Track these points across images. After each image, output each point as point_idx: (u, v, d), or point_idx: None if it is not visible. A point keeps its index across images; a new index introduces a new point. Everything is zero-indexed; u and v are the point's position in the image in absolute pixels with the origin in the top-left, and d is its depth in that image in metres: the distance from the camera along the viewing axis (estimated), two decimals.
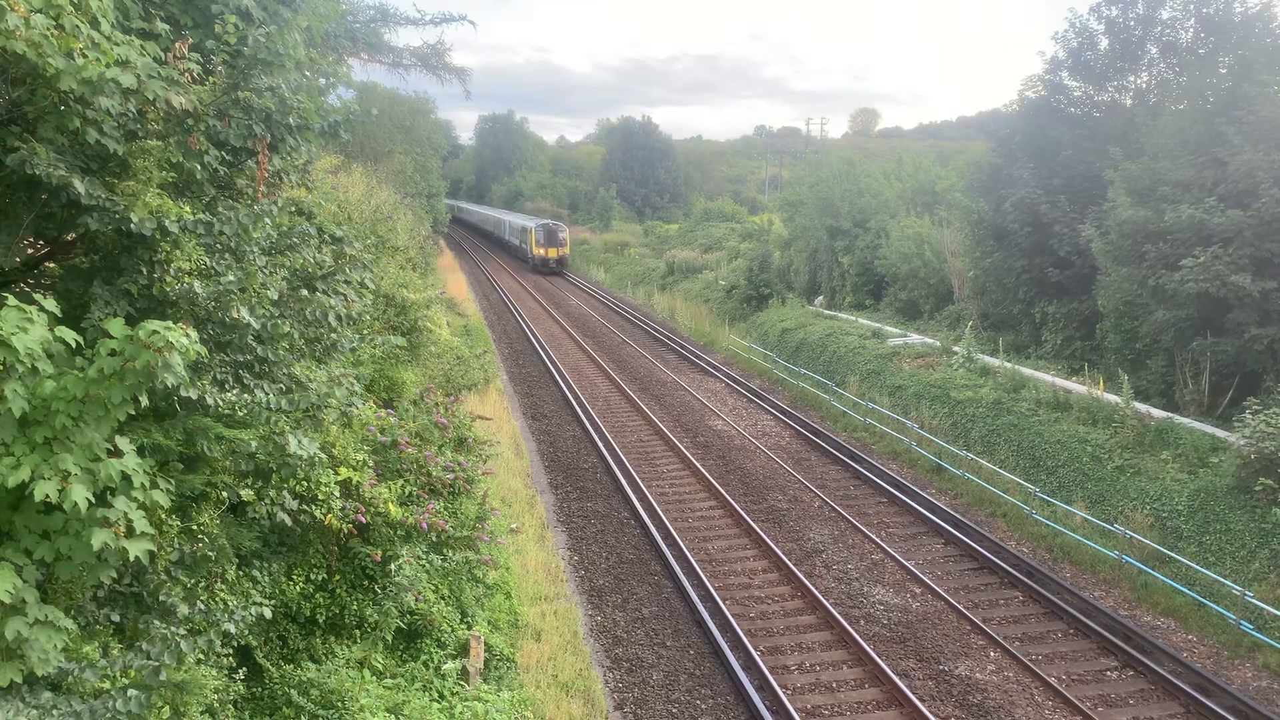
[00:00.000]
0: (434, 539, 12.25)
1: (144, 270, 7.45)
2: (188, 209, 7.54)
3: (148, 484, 5.86)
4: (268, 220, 8.29)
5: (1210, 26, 30.06)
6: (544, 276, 75.41)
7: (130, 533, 5.70)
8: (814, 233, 51.00)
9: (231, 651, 9.22)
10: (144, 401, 5.66)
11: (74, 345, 5.61)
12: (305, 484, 10.11)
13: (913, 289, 42.24)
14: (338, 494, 10.72)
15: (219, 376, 8.02)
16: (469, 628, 13.94)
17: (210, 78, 8.08)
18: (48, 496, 5.28)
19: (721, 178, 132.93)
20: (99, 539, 5.51)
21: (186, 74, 7.68)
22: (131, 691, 6.31)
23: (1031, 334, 33.61)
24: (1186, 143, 25.02)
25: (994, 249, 34.69)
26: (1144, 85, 33.06)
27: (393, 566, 12.00)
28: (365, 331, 14.27)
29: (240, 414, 7.84)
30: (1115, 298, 26.68)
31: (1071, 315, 31.47)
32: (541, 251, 76.79)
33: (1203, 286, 22.44)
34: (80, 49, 6.31)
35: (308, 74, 9.17)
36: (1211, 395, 23.96)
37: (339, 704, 10.34)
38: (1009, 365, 28.60)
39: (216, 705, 8.71)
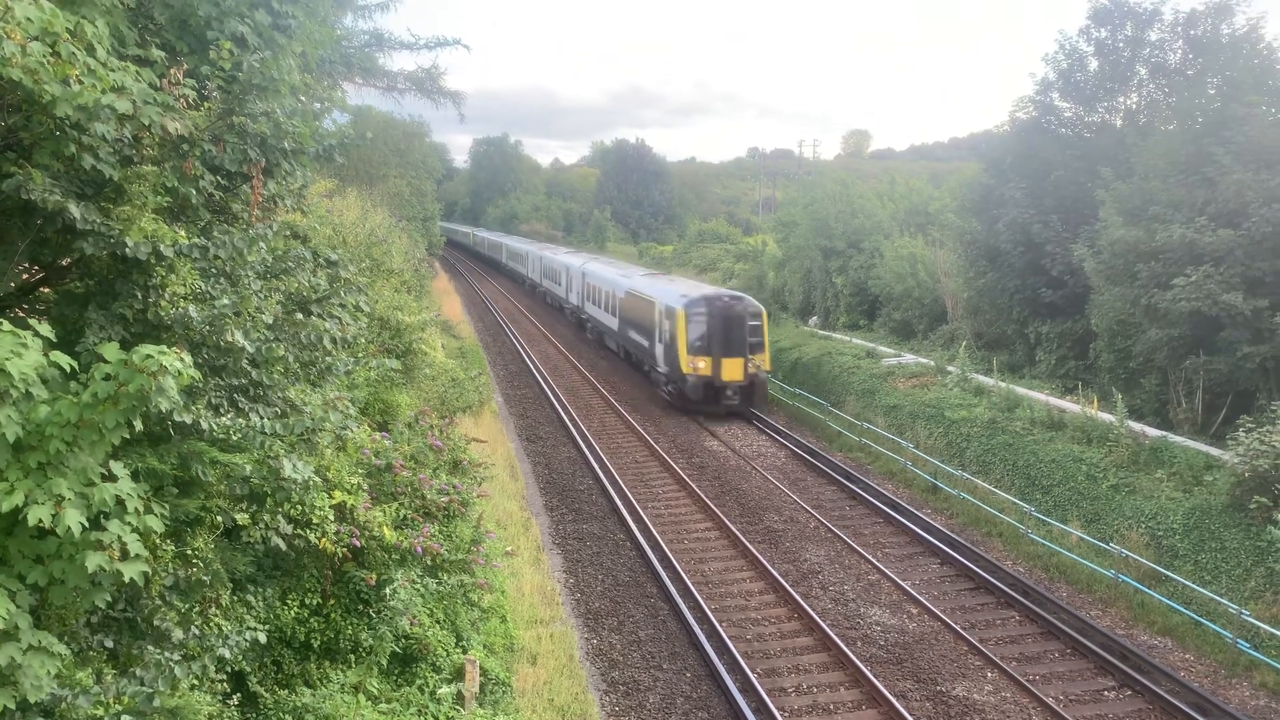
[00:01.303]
0: (429, 562, 12.20)
1: (139, 295, 7.47)
2: (183, 233, 7.57)
3: (142, 509, 5.85)
4: (263, 244, 8.32)
5: (1198, 48, 30.36)
6: (710, 426, 32.86)
7: (124, 556, 5.69)
8: (808, 253, 51.19)
9: (225, 677, 9.18)
10: (138, 426, 5.66)
11: (68, 370, 5.62)
12: (300, 508, 10.09)
13: (906, 309, 42.37)
14: (332, 518, 10.70)
15: (214, 400, 8.02)
16: (464, 652, 13.88)
17: (205, 103, 8.13)
18: (41, 521, 5.27)
19: (715, 199, 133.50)
20: (93, 562, 5.50)
21: (182, 99, 7.72)
22: (125, 718, 6.29)
23: (1025, 354, 33.72)
24: (1176, 163, 25.20)
25: (987, 269, 34.84)
26: (1134, 106, 33.36)
27: (387, 590, 11.95)
28: (360, 354, 14.28)
29: (235, 438, 7.84)
30: (1108, 317, 26.78)
31: (1065, 335, 31.59)
32: (702, 366, 33.26)
33: (1195, 305, 22.55)
34: (76, 75, 6.35)
35: (302, 99, 9.23)
36: (1205, 414, 24.02)
37: None
38: (1003, 385, 28.64)
39: None
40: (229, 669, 8.88)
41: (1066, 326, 31.47)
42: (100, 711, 6.66)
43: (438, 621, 14.13)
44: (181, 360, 5.60)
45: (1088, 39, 33.30)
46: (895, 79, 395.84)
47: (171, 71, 7.78)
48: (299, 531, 10.06)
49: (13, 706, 5.60)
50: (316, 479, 8.41)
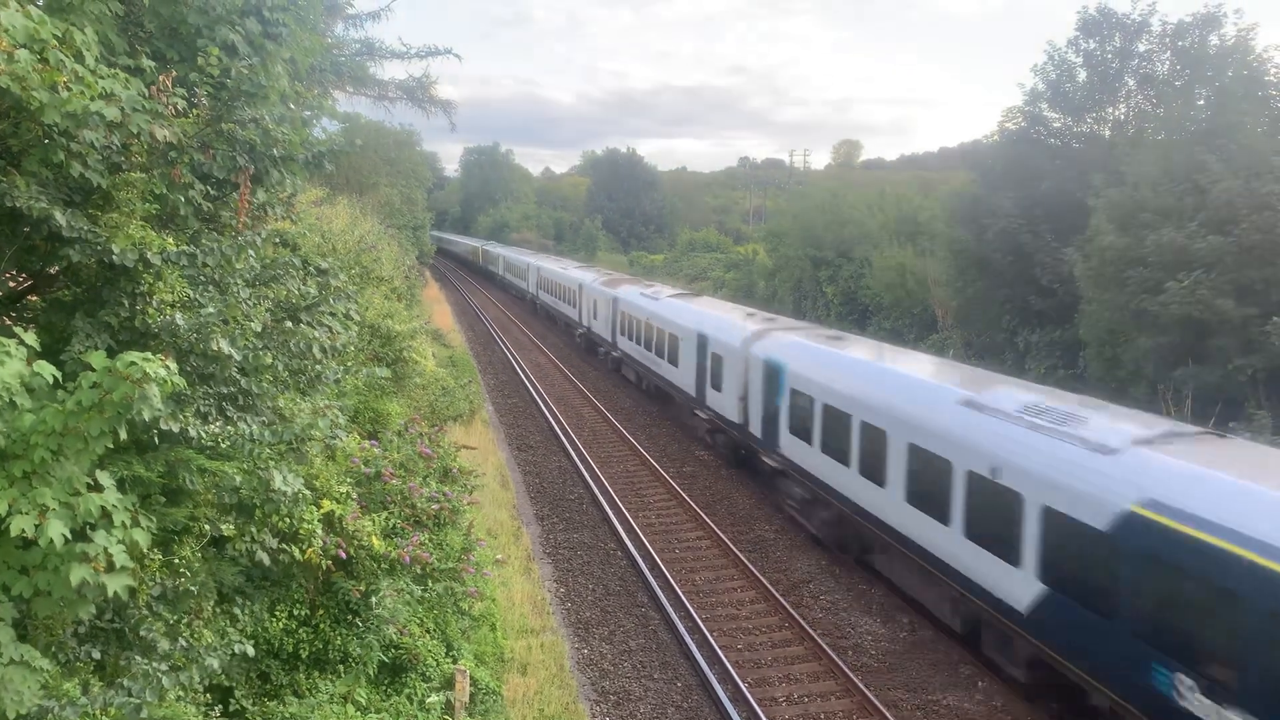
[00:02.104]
0: (418, 571, 12.15)
1: (126, 302, 7.44)
2: (171, 241, 7.54)
3: (128, 521, 5.80)
4: (251, 252, 8.29)
5: (1186, 59, 30.56)
6: None
7: (110, 567, 5.64)
8: (798, 263, 51.35)
9: (211, 688, 9.11)
10: (124, 434, 5.62)
11: (53, 380, 5.58)
12: (288, 520, 10.03)
13: (896, 318, 42.50)
14: (320, 529, 10.64)
15: (202, 409, 7.98)
16: (454, 661, 13.80)
17: (194, 110, 8.10)
18: (24, 531, 5.22)
19: (706, 208, 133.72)
20: (78, 574, 5.45)
21: (170, 107, 7.69)
22: None
23: (1015, 362, 33.82)
24: (1167, 171, 25.34)
25: (976, 278, 34.97)
26: (1122, 116, 33.57)
27: (375, 600, 11.89)
28: (349, 363, 14.23)
29: (223, 446, 7.80)
30: (1098, 325, 26.88)
31: (1054, 344, 31.71)
32: None
33: (1186, 310, 22.64)
34: (64, 82, 6.33)
35: (292, 106, 9.21)
36: (1193, 423, 24.09)
37: None
38: None
39: None
40: (213, 681, 8.80)
41: (1056, 335, 31.59)
42: None
43: (427, 631, 14.06)
44: (166, 367, 5.56)
45: (1076, 50, 33.51)
46: (889, 88, 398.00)
47: (161, 79, 7.76)
48: (284, 546, 10.00)
49: None
50: (306, 491, 8.36)
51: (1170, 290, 22.96)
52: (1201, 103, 27.23)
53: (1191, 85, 29.47)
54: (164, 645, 7.54)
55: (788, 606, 18.30)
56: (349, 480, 12.20)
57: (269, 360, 8.35)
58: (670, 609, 18.17)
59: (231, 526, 8.61)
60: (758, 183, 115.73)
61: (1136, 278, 24.35)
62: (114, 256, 6.97)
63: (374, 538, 11.53)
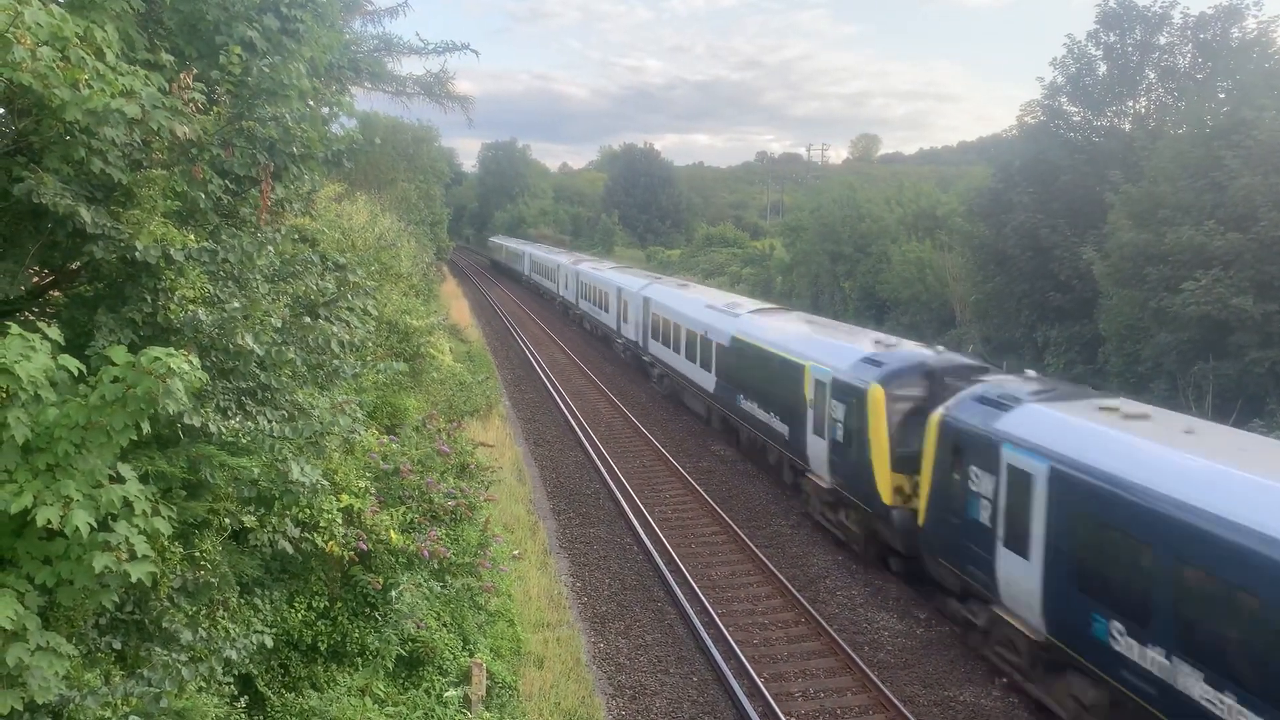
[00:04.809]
0: (435, 566, 12.22)
1: (148, 298, 7.50)
2: (192, 237, 7.61)
3: (149, 511, 5.87)
4: (271, 248, 8.36)
5: (1207, 52, 30.33)
6: None
7: (132, 557, 5.71)
8: (815, 258, 51.21)
9: (233, 679, 9.19)
10: (146, 429, 5.68)
11: (76, 373, 5.65)
12: (308, 511, 10.10)
13: (915, 313, 42.35)
14: (340, 521, 10.71)
15: (222, 404, 8.05)
16: (471, 655, 13.88)
17: (215, 107, 8.16)
18: (50, 522, 5.29)
19: (723, 203, 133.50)
20: (100, 562, 5.52)
21: (191, 104, 7.76)
22: (132, 719, 6.31)
23: (1034, 357, 33.66)
24: (1186, 167, 25.16)
25: (995, 273, 34.82)
26: (1142, 110, 33.34)
27: (394, 594, 11.97)
28: (368, 358, 14.30)
29: (243, 441, 7.87)
30: (1117, 321, 26.73)
31: (1074, 339, 31.53)
32: None
33: (1204, 309, 22.48)
34: (86, 80, 6.38)
35: (311, 103, 9.27)
36: (1215, 418, 23.93)
37: None
38: None
39: None
40: (236, 672, 8.88)
41: (1075, 330, 31.42)
42: (108, 713, 6.68)
43: (444, 625, 14.13)
44: (189, 363, 5.62)
45: (1096, 43, 33.27)
46: (906, 82, 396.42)
47: (181, 76, 7.83)
48: (306, 535, 10.08)
49: (20, 708, 5.62)
50: (324, 482, 8.43)
51: (1187, 290, 22.81)
52: (1223, 96, 27.00)
53: (1213, 79, 29.24)
54: (185, 636, 7.63)
55: (804, 602, 18.30)
56: (367, 475, 12.28)
57: (289, 355, 8.42)
58: (686, 603, 18.20)
59: (253, 518, 8.69)
60: (775, 177, 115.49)
61: (1155, 275, 24.20)
62: (137, 253, 7.04)
63: (392, 532, 11.61)
